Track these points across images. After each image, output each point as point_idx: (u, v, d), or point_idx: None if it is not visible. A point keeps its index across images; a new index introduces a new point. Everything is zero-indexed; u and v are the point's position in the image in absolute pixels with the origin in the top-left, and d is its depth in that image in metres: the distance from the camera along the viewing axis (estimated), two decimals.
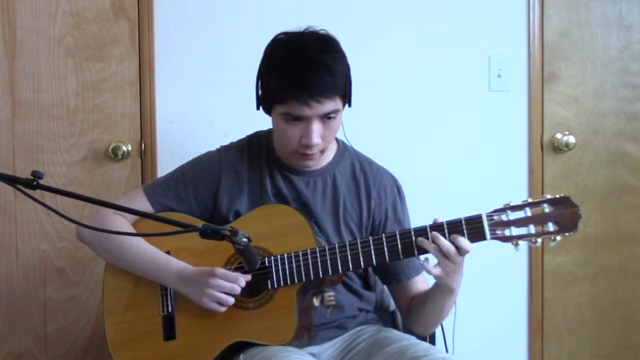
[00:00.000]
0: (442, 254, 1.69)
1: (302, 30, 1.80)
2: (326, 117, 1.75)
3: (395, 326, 2.08)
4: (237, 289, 1.74)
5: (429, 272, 1.72)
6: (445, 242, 1.68)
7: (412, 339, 1.83)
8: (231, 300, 1.75)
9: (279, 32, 1.83)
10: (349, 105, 1.83)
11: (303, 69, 1.71)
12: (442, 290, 1.78)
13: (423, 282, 1.93)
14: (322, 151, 1.84)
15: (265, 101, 1.81)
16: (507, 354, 2.85)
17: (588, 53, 2.84)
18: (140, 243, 1.87)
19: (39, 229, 2.53)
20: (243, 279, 1.75)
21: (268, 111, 1.82)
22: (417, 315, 1.90)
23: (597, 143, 2.87)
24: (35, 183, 1.44)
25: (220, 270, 1.76)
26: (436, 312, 1.85)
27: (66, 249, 2.54)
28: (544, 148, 2.81)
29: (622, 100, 2.87)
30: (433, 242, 1.69)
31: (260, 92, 1.82)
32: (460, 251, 1.68)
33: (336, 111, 1.76)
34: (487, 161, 2.78)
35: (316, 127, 1.75)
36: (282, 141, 1.83)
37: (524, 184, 2.80)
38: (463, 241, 1.67)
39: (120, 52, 2.54)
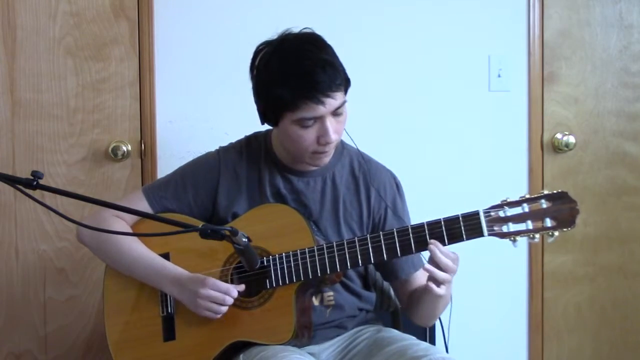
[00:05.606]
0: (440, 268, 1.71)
1: (283, 35, 1.79)
2: (336, 112, 1.76)
3: (395, 326, 2.07)
4: (228, 300, 1.75)
5: (434, 292, 1.72)
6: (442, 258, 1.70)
7: (412, 339, 1.84)
8: (223, 309, 1.76)
9: (259, 44, 1.81)
10: None
11: (309, 70, 1.71)
12: (432, 296, 1.79)
13: (423, 276, 1.93)
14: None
15: (273, 113, 1.78)
16: (507, 354, 2.85)
17: (588, 53, 2.84)
18: (138, 247, 1.87)
19: (39, 229, 2.54)
20: (235, 290, 1.76)
21: (275, 122, 1.80)
22: (414, 312, 1.93)
23: (597, 143, 2.87)
24: (35, 183, 1.44)
25: (211, 281, 1.76)
26: (430, 312, 1.89)
27: (66, 249, 2.54)
28: (544, 148, 2.81)
29: (622, 100, 2.87)
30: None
31: (263, 107, 1.81)
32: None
33: (344, 103, 1.77)
34: (487, 161, 2.78)
35: (330, 123, 1.75)
36: (298, 146, 1.80)
37: (524, 184, 2.80)
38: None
39: (120, 52, 2.54)
